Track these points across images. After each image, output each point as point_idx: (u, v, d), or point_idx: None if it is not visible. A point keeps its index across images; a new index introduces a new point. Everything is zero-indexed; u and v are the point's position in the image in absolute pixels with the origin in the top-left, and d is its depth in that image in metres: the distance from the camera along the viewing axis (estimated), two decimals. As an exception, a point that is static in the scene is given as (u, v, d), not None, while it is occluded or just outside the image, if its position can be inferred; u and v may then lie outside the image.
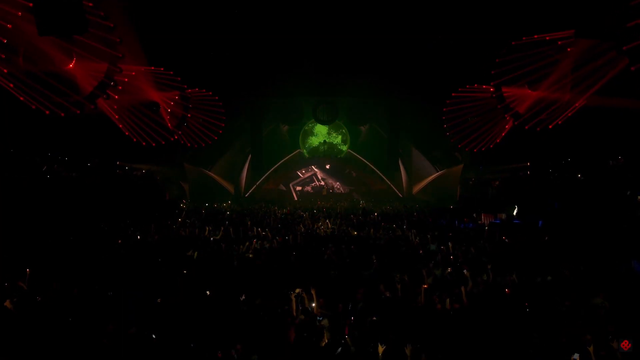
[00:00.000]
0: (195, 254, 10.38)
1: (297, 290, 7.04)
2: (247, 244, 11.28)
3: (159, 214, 17.64)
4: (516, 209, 17.48)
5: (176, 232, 13.75)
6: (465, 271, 8.43)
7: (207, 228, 13.69)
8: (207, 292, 7.03)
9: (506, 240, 12.39)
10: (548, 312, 6.82)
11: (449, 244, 11.12)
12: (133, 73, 15.84)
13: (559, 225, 13.96)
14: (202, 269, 9.18)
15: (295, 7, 18.30)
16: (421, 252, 10.87)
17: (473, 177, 27.09)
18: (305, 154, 33.01)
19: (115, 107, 16.70)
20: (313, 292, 6.95)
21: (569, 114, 15.13)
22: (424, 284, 7.53)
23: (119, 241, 11.76)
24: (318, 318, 6.29)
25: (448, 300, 7.03)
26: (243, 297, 7.08)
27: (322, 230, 14.40)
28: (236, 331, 6.01)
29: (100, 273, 8.44)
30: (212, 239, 12.54)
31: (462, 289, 7.34)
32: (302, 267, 9.30)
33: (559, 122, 15.54)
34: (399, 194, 31.83)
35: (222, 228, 13.92)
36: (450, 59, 21.01)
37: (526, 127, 16.49)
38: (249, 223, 14.48)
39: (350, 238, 12.83)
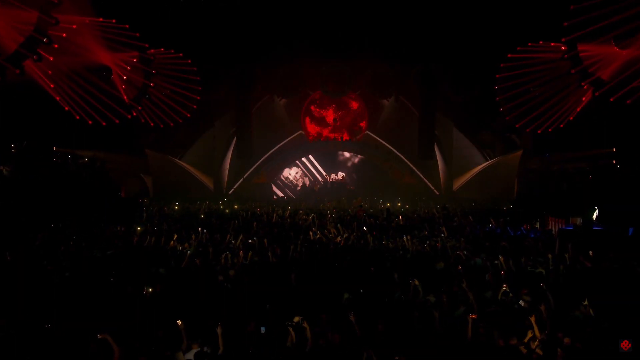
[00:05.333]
0: (162, 270, 10.45)
1: (297, 319, 7.03)
2: (226, 256, 11.36)
3: (111, 218, 17.70)
4: (596, 211, 17.36)
5: (135, 242, 13.83)
6: (523, 300, 8.39)
7: (178, 236, 13.81)
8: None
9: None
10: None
11: (503, 258, 11.05)
12: (74, 26, 15.79)
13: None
14: (170, 291, 9.23)
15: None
16: (461, 268, 10.86)
17: (536, 168, 26.92)
18: None
19: (50, 72, 16.67)
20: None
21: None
22: (473, 313, 7.48)
23: (58, 255, 11.81)
24: None
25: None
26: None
27: (331, 239, 14.46)
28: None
29: (33, 298, 8.47)
30: (184, 250, 12.61)
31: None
32: (305, 288, 9.32)
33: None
34: (435, 191, 31.75)
35: (195, 236, 14.00)
36: (507, 5, 20.79)
37: (611, 100, 16.34)
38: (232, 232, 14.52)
39: (369, 250, 12.89)
